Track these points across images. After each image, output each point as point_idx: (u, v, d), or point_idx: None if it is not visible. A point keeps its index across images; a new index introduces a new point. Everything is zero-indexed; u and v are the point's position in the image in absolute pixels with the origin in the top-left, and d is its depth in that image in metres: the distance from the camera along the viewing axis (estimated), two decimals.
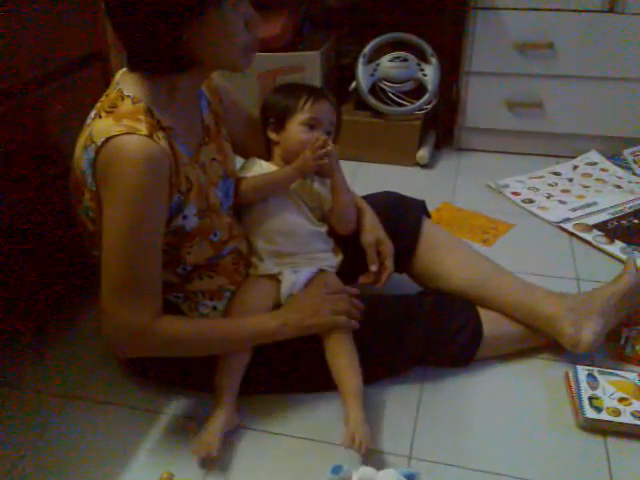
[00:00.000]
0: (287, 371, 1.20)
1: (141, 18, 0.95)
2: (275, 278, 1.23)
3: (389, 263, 1.28)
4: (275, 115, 1.27)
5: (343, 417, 1.11)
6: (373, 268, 1.27)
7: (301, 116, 1.24)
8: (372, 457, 1.09)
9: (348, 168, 2.15)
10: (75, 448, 1.14)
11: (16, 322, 1.35)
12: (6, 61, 1.18)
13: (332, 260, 1.29)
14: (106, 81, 1.36)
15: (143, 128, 0.97)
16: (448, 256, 1.35)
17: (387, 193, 1.45)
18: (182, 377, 1.23)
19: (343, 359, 1.15)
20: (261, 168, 1.26)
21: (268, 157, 1.30)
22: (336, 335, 1.16)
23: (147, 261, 1.02)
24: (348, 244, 1.31)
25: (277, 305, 1.21)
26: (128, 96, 1.01)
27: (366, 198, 1.38)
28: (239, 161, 1.31)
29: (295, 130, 1.24)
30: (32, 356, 1.35)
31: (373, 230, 1.30)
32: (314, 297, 1.19)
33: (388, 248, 1.29)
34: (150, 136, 0.97)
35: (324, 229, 1.29)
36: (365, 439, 1.05)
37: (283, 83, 1.37)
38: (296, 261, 1.24)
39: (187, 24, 0.96)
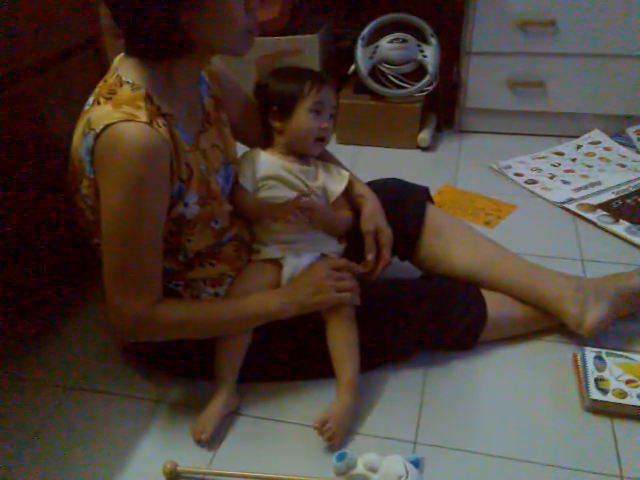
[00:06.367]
0: (287, 359, 1.20)
1: (138, 2, 0.93)
2: (277, 263, 1.21)
3: (386, 252, 1.26)
4: (279, 102, 1.23)
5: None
6: (370, 256, 1.25)
7: (307, 102, 1.20)
8: (377, 443, 1.09)
9: (348, 152, 2.16)
10: (77, 439, 1.14)
11: (17, 315, 1.34)
12: (3, 48, 1.16)
13: (336, 246, 1.27)
14: (100, 66, 1.35)
15: (143, 115, 0.95)
16: (452, 241, 1.33)
17: (391, 179, 1.43)
18: (185, 366, 1.23)
19: (342, 345, 1.15)
20: (253, 165, 1.22)
21: (267, 143, 1.28)
22: (338, 317, 1.16)
23: (146, 250, 1.01)
24: (349, 231, 1.29)
25: None
26: (127, 82, 0.99)
27: (370, 184, 1.35)
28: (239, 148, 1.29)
29: (303, 118, 1.21)
30: (33, 348, 1.34)
31: (373, 218, 1.27)
32: (317, 274, 1.17)
33: (387, 237, 1.27)
34: (150, 123, 0.95)
35: None
36: (335, 429, 1.06)
37: (279, 67, 1.33)
38: (299, 247, 1.23)
39: (185, 8, 0.94)
